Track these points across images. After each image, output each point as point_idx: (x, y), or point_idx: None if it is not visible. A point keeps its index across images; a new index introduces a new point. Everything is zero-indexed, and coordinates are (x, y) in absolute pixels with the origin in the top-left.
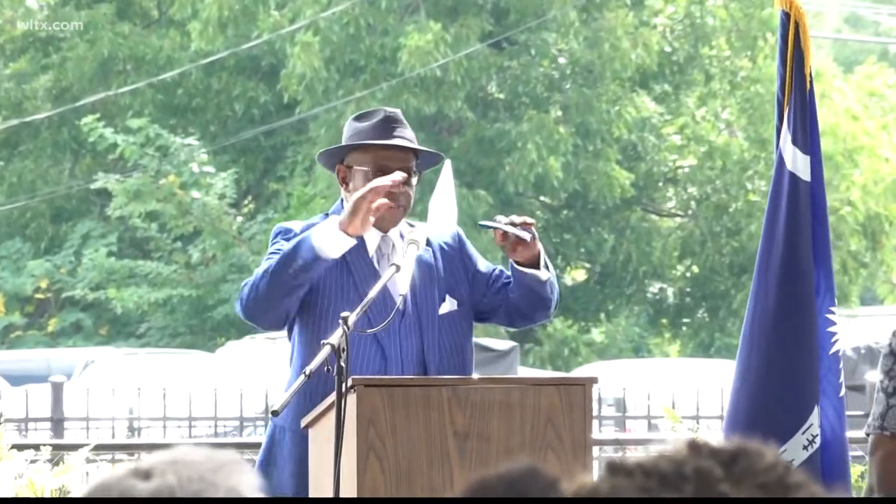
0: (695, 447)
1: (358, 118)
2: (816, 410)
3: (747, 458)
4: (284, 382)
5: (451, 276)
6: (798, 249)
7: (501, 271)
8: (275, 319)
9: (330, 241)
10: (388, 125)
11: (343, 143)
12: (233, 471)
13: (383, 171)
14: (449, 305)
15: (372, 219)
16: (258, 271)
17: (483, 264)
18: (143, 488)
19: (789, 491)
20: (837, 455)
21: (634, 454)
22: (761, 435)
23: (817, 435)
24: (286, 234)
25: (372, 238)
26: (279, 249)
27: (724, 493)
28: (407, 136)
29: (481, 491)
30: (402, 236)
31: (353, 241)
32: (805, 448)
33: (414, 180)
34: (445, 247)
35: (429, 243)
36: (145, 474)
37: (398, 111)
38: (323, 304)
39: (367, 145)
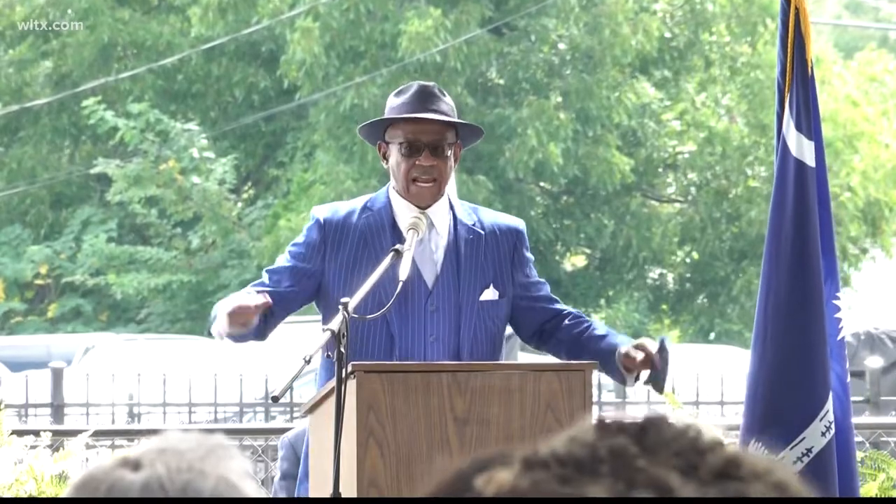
0: (602, 426)
1: (397, 93)
2: (831, 397)
3: (656, 429)
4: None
5: (497, 266)
6: (807, 237)
7: (540, 288)
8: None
9: (219, 330)
10: (421, 99)
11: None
12: (221, 457)
13: (413, 144)
14: (490, 294)
15: (229, 326)
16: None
17: (530, 274)
18: (132, 479)
19: (704, 454)
20: (844, 441)
21: None
22: (782, 422)
23: (833, 421)
24: (307, 235)
25: (408, 216)
26: (296, 245)
27: (641, 468)
28: (441, 109)
29: (458, 482)
30: (452, 205)
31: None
32: (823, 434)
33: (450, 153)
34: (499, 234)
35: (482, 226)
36: (134, 465)
37: (433, 84)
38: (346, 288)
39: (398, 120)
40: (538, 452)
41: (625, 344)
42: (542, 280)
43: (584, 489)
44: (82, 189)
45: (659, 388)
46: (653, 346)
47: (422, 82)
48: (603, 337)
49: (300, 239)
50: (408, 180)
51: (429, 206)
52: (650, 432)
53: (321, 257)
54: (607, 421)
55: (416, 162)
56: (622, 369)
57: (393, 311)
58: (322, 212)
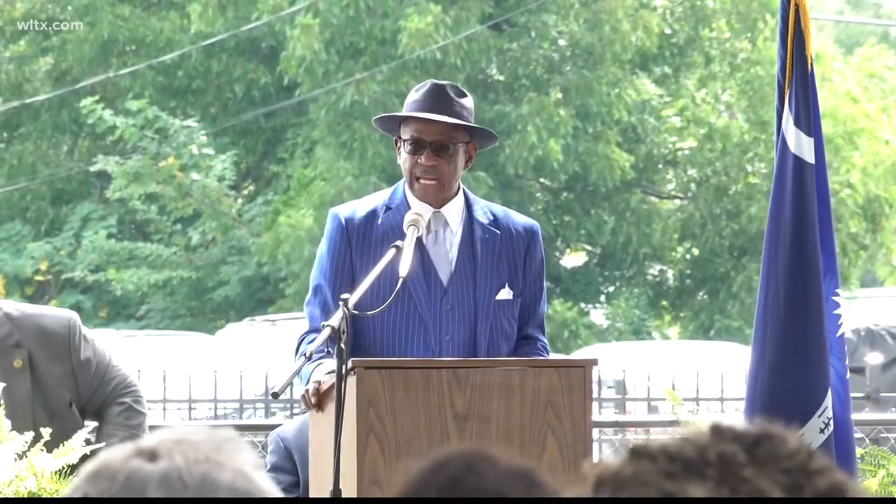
0: (717, 431)
1: (416, 90)
2: (830, 393)
3: (770, 443)
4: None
5: (512, 265)
6: (806, 233)
7: (534, 306)
8: None
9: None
10: (431, 98)
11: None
12: (233, 450)
13: (417, 142)
14: (506, 293)
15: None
16: (302, 335)
17: (534, 284)
18: (150, 469)
19: (812, 477)
20: (843, 437)
21: (634, 436)
22: (780, 419)
23: (831, 418)
24: (331, 238)
25: (423, 214)
26: (321, 260)
27: (747, 478)
28: (453, 109)
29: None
30: (469, 204)
31: None
32: (822, 431)
33: (457, 153)
34: (514, 234)
35: (498, 225)
36: (151, 455)
37: (449, 84)
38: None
39: (409, 116)
40: (649, 444)
41: None
42: (543, 304)
43: (686, 488)
44: (82, 185)
45: None
46: None
47: (437, 81)
48: None
49: (323, 247)
50: (412, 177)
51: (433, 202)
52: (763, 445)
53: (349, 255)
54: (723, 426)
55: (419, 160)
56: None
57: (424, 307)
58: (342, 211)
